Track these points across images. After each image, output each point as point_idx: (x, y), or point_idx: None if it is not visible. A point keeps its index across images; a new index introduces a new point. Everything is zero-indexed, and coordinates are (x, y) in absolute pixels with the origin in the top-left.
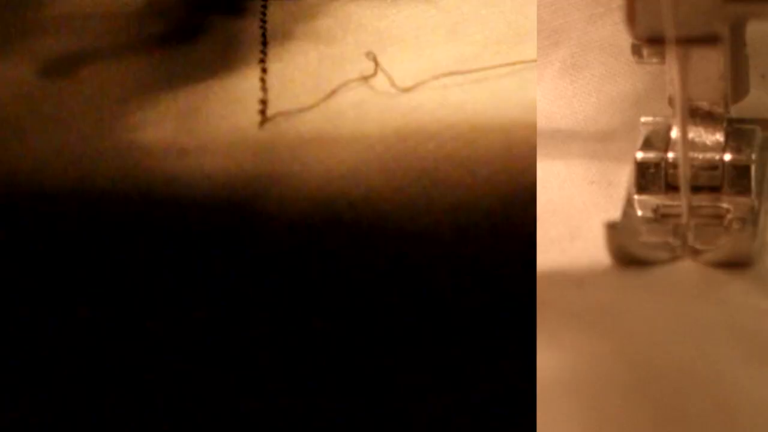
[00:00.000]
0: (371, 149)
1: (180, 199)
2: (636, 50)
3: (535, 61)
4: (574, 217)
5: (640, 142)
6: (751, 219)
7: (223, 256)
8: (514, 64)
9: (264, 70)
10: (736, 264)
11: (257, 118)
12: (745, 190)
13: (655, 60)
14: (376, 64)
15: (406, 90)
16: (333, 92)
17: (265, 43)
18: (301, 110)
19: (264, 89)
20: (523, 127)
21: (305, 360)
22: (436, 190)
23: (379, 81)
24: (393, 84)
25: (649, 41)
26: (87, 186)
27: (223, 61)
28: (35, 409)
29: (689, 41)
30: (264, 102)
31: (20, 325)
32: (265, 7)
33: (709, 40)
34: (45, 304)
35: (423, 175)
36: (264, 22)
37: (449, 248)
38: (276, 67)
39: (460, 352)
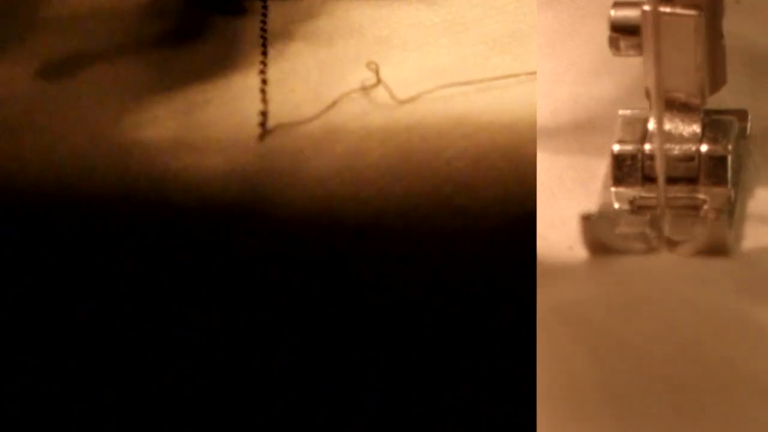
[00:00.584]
0: (373, 167)
1: (179, 198)
2: (613, 42)
3: (534, 73)
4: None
5: (617, 135)
6: (727, 209)
7: (223, 257)
8: (515, 75)
9: (264, 81)
10: (712, 254)
11: (256, 119)
12: (721, 181)
13: (632, 52)
14: (378, 74)
15: (405, 102)
16: (334, 104)
17: (265, 53)
18: (302, 122)
19: (264, 101)
20: (525, 145)
21: (303, 361)
22: (437, 211)
23: (380, 92)
24: (392, 96)
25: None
26: (86, 185)
27: (223, 61)
28: (35, 409)
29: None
30: (264, 114)
31: (20, 324)
32: (265, 15)
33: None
34: (45, 304)
35: (424, 196)
36: (264, 30)
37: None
38: (276, 77)
39: (460, 352)
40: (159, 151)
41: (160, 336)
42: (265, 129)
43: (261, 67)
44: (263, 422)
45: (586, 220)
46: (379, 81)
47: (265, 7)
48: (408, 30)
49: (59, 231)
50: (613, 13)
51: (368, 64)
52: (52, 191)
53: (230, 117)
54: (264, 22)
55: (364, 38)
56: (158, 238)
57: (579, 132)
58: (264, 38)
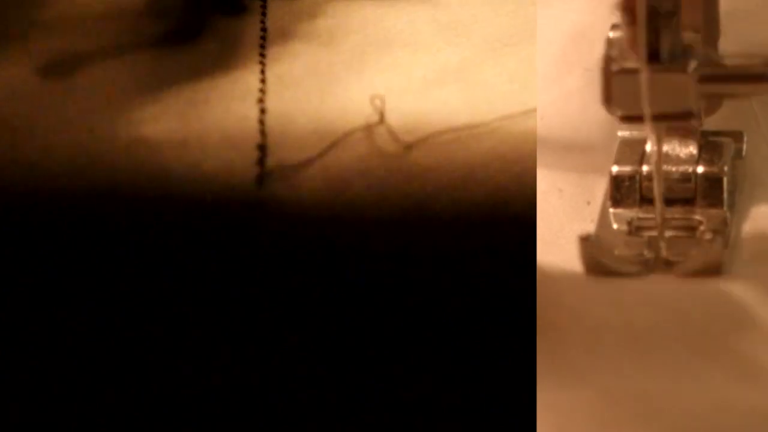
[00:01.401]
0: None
1: (178, 197)
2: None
3: (534, 110)
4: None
5: (615, 156)
6: (723, 230)
7: (223, 256)
8: (514, 116)
9: (263, 111)
10: (708, 274)
11: (256, 119)
12: (717, 202)
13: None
14: (383, 113)
15: (409, 146)
16: (335, 143)
17: (264, 54)
18: (301, 164)
19: (263, 132)
20: (525, 165)
21: (302, 361)
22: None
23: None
24: (396, 138)
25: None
26: (85, 185)
27: (223, 60)
28: (35, 409)
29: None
30: (263, 147)
31: (20, 324)
32: (264, 15)
33: (684, 117)
34: (46, 301)
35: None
36: (264, 31)
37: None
38: (277, 79)
39: (461, 357)
40: (158, 151)
41: (158, 334)
42: (263, 169)
43: (260, 99)
44: (263, 422)
45: (585, 240)
46: (382, 120)
47: (264, 7)
48: (409, 32)
49: (58, 229)
50: (611, 34)
51: (373, 100)
52: (52, 190)
53: (229, 116)
54: (264, 23)
55: (365, 40)
56: (158, 237)
57: (578, 153)
58: (263, 38)
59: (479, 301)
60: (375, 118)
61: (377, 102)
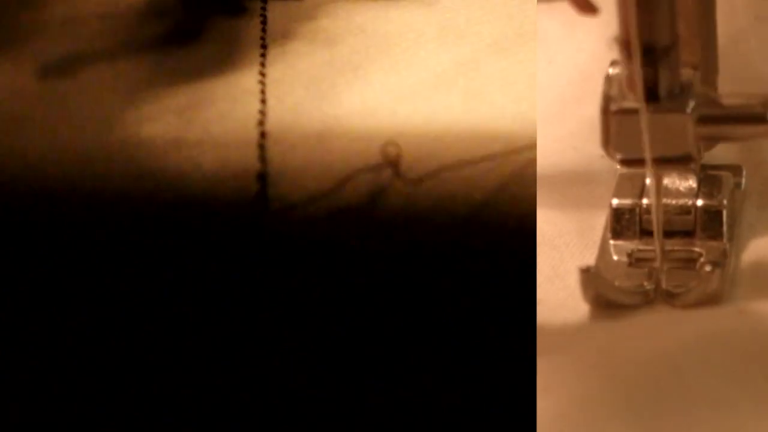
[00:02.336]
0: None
1: (177, 197)
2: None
3: (534, 145)
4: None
5: (615, 189)
6: (722, 262)
7: (221, 255)
8: (513, 151)
9: (263, 135)
10: (707, 306)
11: (255, 118)
12: (717, 235)
13: None
14: (397, 162)
15: (418, 181)
16: (343, 182)
17: (264, 55)
18: (307, 199)
19: (263, 159)
20: (524, 199)
21: (304, 361)
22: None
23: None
24: (405, 178)
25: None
26: (84, 184)
27: (223, 61)
28: (35, 409)
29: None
30: (264, 176)
31: (19, 324)
32: (264, 16)
33: (683, 160)
34: (46, 301)
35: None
36: (264, 31)
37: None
38: (276, 78)
39: (461, 357)
40: (157, 151)
41: (158, 334)
42: (266, 203)
43: (260, 121)
44: (263, 422)
45: (585, 272)
46: (397, 170)
47: (264, 8)
48: (409, 33)
49: (58, 229)
50: (611, 71)
51: (387, 145)
52: (50, 190)
53: (229, 116)
54: (264, 23)
55: (365, 41)
56: (157, 237)
57: (578, 186)
58: (264, 38)
59: (480, 301)
60: (387, 160)
61: (391, 149)
